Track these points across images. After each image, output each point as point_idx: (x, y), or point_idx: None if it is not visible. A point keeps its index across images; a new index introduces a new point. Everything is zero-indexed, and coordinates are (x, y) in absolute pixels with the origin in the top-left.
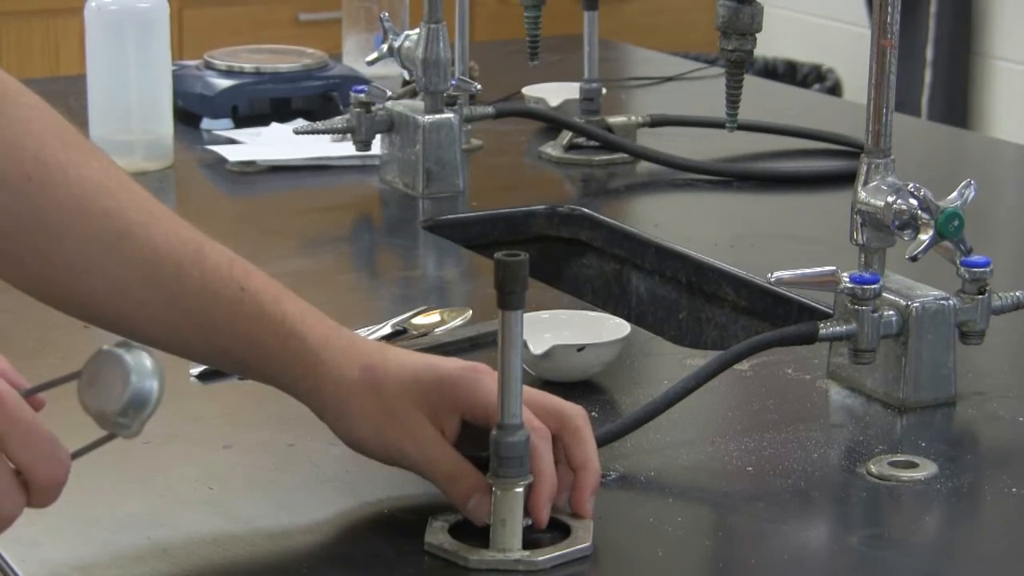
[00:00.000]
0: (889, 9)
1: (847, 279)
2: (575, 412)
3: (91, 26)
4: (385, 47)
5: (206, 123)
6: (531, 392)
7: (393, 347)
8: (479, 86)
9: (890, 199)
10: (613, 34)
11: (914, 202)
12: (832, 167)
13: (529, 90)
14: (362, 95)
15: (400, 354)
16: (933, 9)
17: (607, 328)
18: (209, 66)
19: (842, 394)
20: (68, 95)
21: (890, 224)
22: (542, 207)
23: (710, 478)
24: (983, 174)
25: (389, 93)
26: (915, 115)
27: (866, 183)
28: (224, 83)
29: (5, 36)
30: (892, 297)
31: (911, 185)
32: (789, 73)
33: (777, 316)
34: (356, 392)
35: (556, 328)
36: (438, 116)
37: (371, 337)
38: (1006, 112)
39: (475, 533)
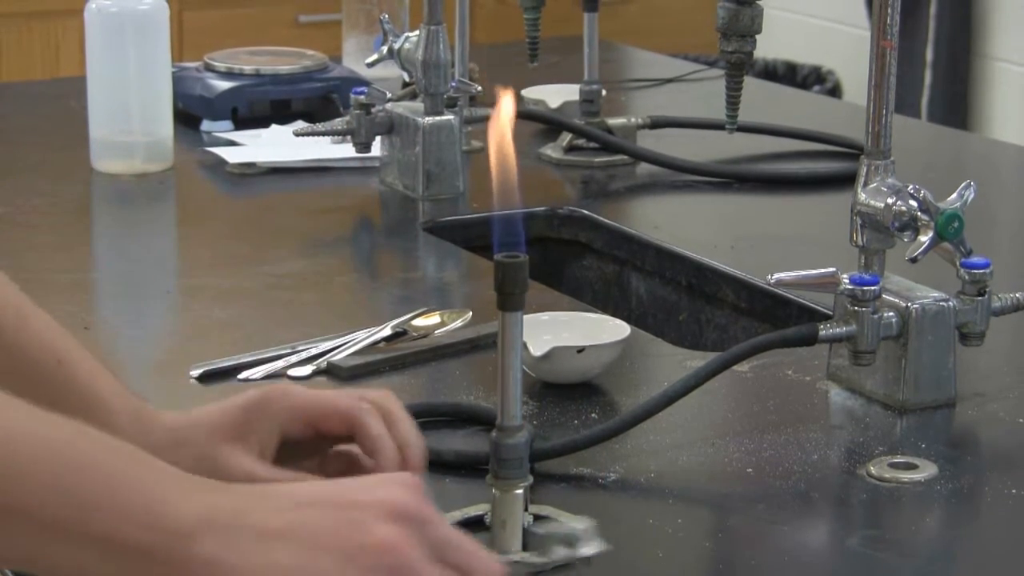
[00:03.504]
0: (889, 10)
1: (847, 280)
2: (383, 394)
3: (91, 28)
4: (385, 49)
5: (206, 125)
6: (326, 394)
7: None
8: (479, 88)
9: (890, 201)
10: (613, 35)
11: (914, 203)
12: (832, 169)
13: (529, 92)
14: (362, 97)
15: (205, 407)
16: (933, 10)
17: (607, 330)
18: (209, 68)
19: (842, 395)
20: (68, 96)
21: (890, 225)
22: (542, 209)
23: (710, 479)
24: (983, 175)
25: (389, 95)
26: (915, 116)
27: (866, 184)
28: (224, 85)
29: (5, 37)
30: (892, 299)
31: (911, 187)
32: (789, 75)
33: (777, 318)
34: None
35: (556, 330)
36: (438, 118)
37: (371, 339)
38: (1006, 113)
39: (475, 534)
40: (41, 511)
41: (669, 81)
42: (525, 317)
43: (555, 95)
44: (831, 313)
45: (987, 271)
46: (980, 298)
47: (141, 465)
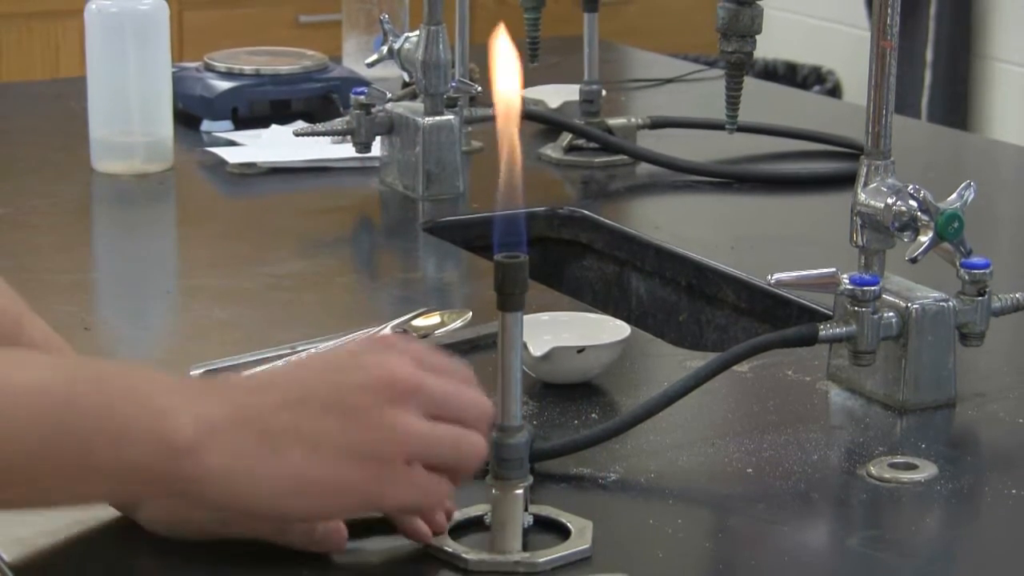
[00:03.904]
0: (889, 11)
1: (847, 281)
2: None
3: (91, 28)
4: (385, 49)
5: (206, 125)
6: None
7: None
8: (479, 88)
9: (890, 201)
10: (613, 36)
11: (914, 204)
12: (832, 169)
13: (529, 92)
14: (362, 97)
15: None
16: (933, 11)
17: (607, 330)
18: (209, 68)
19: (842, 396)
20: (68, 97)
21: (890, 226)
22: (542, 209)
23: (710, 479)
24: (983, 176)
25: (389, 95)
26: (915, 117)
27: (866, 185)
28: (224, 85)
29: (5, 38)
30: (892, 299)
31: (911, 187)
32: (789, 75)
33: (777, 318)
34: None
35: (556, 330)
36: (438, 118)
37: None
38: (1006, 114)
39: (475, 535)
40: (47, 456)
41: (669, 81)
42: (525, 317)
43: (555, 95)
44: (831, 313)
45: (987, 271)
46: (980, 298)
47: (133, 389)
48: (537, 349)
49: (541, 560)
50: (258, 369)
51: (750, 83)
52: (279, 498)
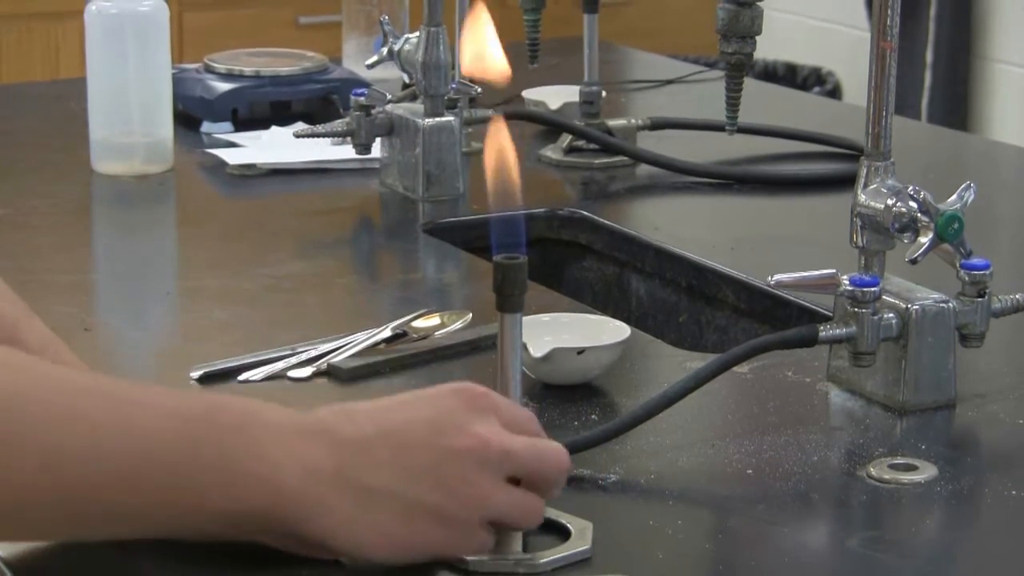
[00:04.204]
0: (889, 12)
1: (847, 282)
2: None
3: (91, 29)
4: (385, 50)
5: (206, 126)
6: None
7: None
8: (479, 89)
9: (890, 202)
10: (613, 37)
11: (914, 205)
12: (832, 170)
13: (529, 93)
14: (362, 98)
15: None
16: (933, 12)
17: (607, 331)
18: (209, 69)
19: (842, 397)
20: (68, 98)
21: (890, 227)
22: (542, 210)
23: (710, 480)
24: (983, 177)
25: (389, 96)
26: (915, 118)
27: (866, 186)
28: (224, 86)
29: (5, 39)
30: (892, 300)
31: (911, 188)
32: (789, 76)
33: (777, 319)
34: None
35: (556, 331)
36: (438, 119)
37: (371, 341)
38: (1006, 115)
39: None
40: (163, 500)
41: (669, 82)
42: (525, 318)
43: (555, 96)
44: (831, 314)
45: (987, 272)
46: (980, 299)
47: (246, 435)
48: (537, 350)
49: (541, 561)
50: (357, 406)
51: (750, 84)
52: (368, 547)
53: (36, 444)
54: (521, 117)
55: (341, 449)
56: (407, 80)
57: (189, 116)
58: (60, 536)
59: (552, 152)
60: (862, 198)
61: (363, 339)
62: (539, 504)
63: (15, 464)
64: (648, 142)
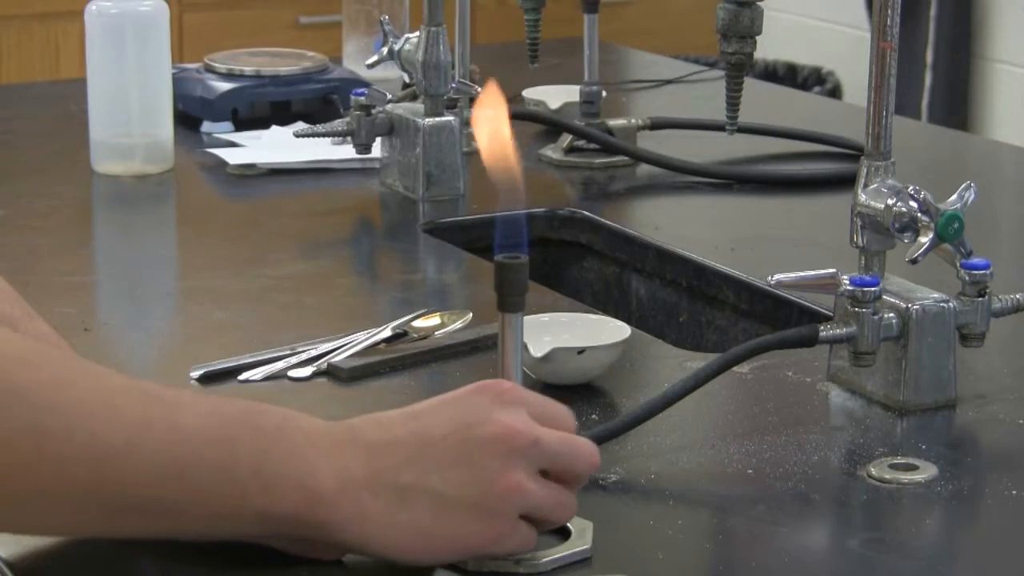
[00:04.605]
0: (889, 12)
1: (847, 282)
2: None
3: (91, 29)
4: (385, 50)
5: (206, 126)
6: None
7: None
8: (479, 89)
9: (890, 202)
10: (613, 37)
11: (914, 205)
12: (832, 170)
13: (529, 93)
14: (362, 98)
15: None
16: (933, 12)
17: (607, 331)
18: (209, 69)
19: (842, 397)
20: (68, 98)
21: (890, 227)
22: (542, 210)
23: (710, 481)
24: (983, 177)
25: (389, 96)
26: (915, 118)
27: (866, 186)
28: (224, 86)
29: (5, 40)
30: (892, 300)
31: (911, 188)
32: (789, 76)
33: (777, 319)
34: None
35: (556, 331)
36: (438, 119)
37: (371, 340)
38: (1006, 115)
39: None
40: (205, 500)
41: (669, 82)
42: (525, 318)
43: (555, 96)
44: (831, 314)
45: (987, 272)
46: (980, 299)
47: (286, 440)
48: (537, 350)
49: (542, 561)
50: (381, 415)
51: (750, 84)
52: (404, 547)
53: (78, 435)
54: (521, 117)
55: (372, 453)
56: (407, 80)
57: (189, 116)
58: (95, 530)
59: (552, 152)
60: (862, 198)
61: (363, 339)
62: (572, 498)
63: (58, 454)
64: (648, 142)
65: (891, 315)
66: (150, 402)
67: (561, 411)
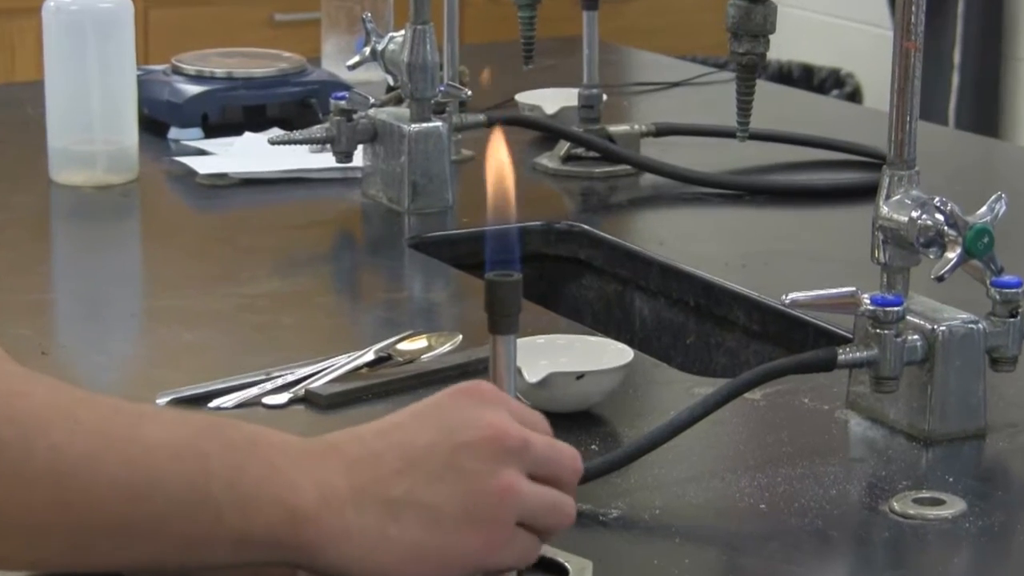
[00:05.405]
0: (913, 8)
1: (868, 301)
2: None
3: (49, 28)
4: (367, 50)
5: (174, 133)
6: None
7: None
8: (469, 92)
9: (914, 214)
10: (614, 36)
11: (940, 217)
12: (852, 180)
13: (523, 96)
14: (343, 102)
15: None
16: (961, 9)
17: (608, 354)
18: (177, 71)
19: (863, 425)
20: (24, 102)
21: (914, 241)
22: (537, 223)
23: (719, 517)
24: (1015, 187)
25: (372, 100)
26: (942, 123)
27: (888, 197)
28: (193, 89)
29: None
30: (917, 320)
31: (937, 199)
32: (805, 78)
33: (792, 341)
34: None
35: (553, 354)
36: (425, 125)
37: (352, 364)
38: None
39: None
40: (175, 519)
41: (675, 85)
42: (519, 341)
43: (552, 100)
44: (851, 336)
45: (1019, 291)
46: (1012, 320)
47: (259, 453)
48: (532, 375)
49: None
50: (361, 427)
51: (763, 87)
52: (395, 566)
53: (38, 448)
54: (515, 123)
55: (354, 466)
56: (391, 82)
57: (155, 122)
58: (58, 563)
59: (548, 161)
60: (884, 210)
61: (344, 363)
62: (570, 501)
63: (17, 471)
64: (652, 149)
65: (915, 337)
66: (111, 415)
67: (538, 418)
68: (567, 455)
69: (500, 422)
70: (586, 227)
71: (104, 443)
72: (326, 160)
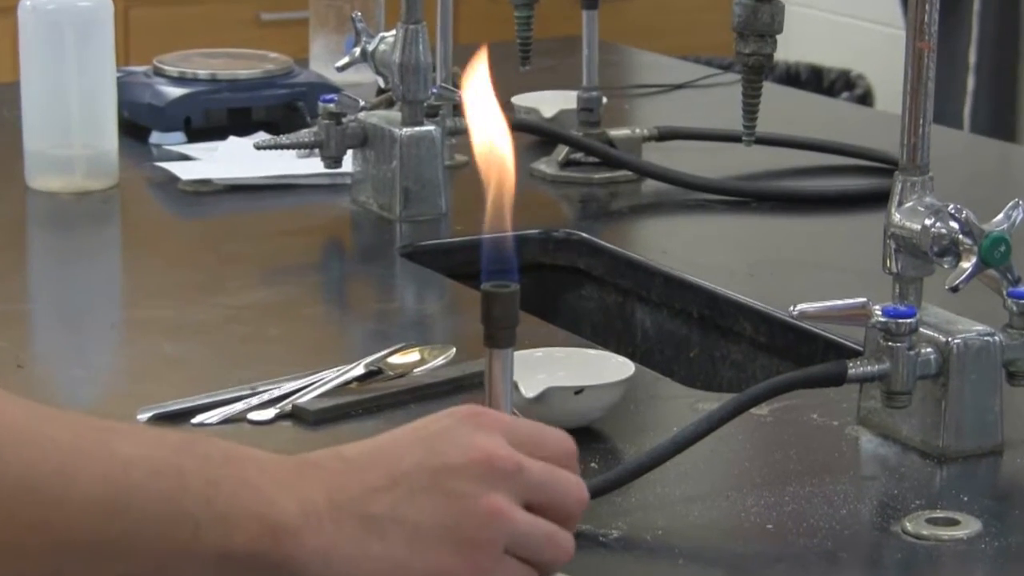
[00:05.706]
0: (927, 7)
1: (879, 312)
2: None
3: (25, 27)
4: (357, 51)
5: (155, 137)
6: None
7: None
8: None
9: (928, 222)
10: (615, 36)
11: (955, 225)
12: (862, 186)
13: (520, 99)
14: (332, 105)
15: None
16: (976, 7)
17: (608, 368)
18: (159, 72)
19: (874, 442)
20: (0, 105)
21: (928, 250)
22: (535, 231)
23: (725, 537)
24: None
25: (362, 103)
26: (956, 127)
27: (901, 204)
28: (175, 92)
29: None
30: (930, 333)
31: (951, 206)
32: (814, 80)
33: (801, 354)
34: None
35: (551, 368)
36: (417, 129)
37: (342, 379)
38: None
39: None
40: (155, 535)
41: (678, 87)
42: (516, 354)
43: (550, 103)
44: (861, 349)
45: None
46: None
47: (237, 468)
48: (530, 390)
49: None
50: (346, 447)
51: (770, 89)
52: None
53: (11, 465)
54: (512, 127)
55: (333, 483)
56: (382, 84)
57: (136, 125)
58: None
59: (546, 166)
60: (897, 218)
61: (332, 377)
62: (568, 536)
63: None
64: (655, 154)
65: (929, 350)
66: (81, 431)
67: (556, 436)
68: (569, 483)
69: (491, 446)
70: (585, 235)
71: (78, 460)
72: (314, 165)
